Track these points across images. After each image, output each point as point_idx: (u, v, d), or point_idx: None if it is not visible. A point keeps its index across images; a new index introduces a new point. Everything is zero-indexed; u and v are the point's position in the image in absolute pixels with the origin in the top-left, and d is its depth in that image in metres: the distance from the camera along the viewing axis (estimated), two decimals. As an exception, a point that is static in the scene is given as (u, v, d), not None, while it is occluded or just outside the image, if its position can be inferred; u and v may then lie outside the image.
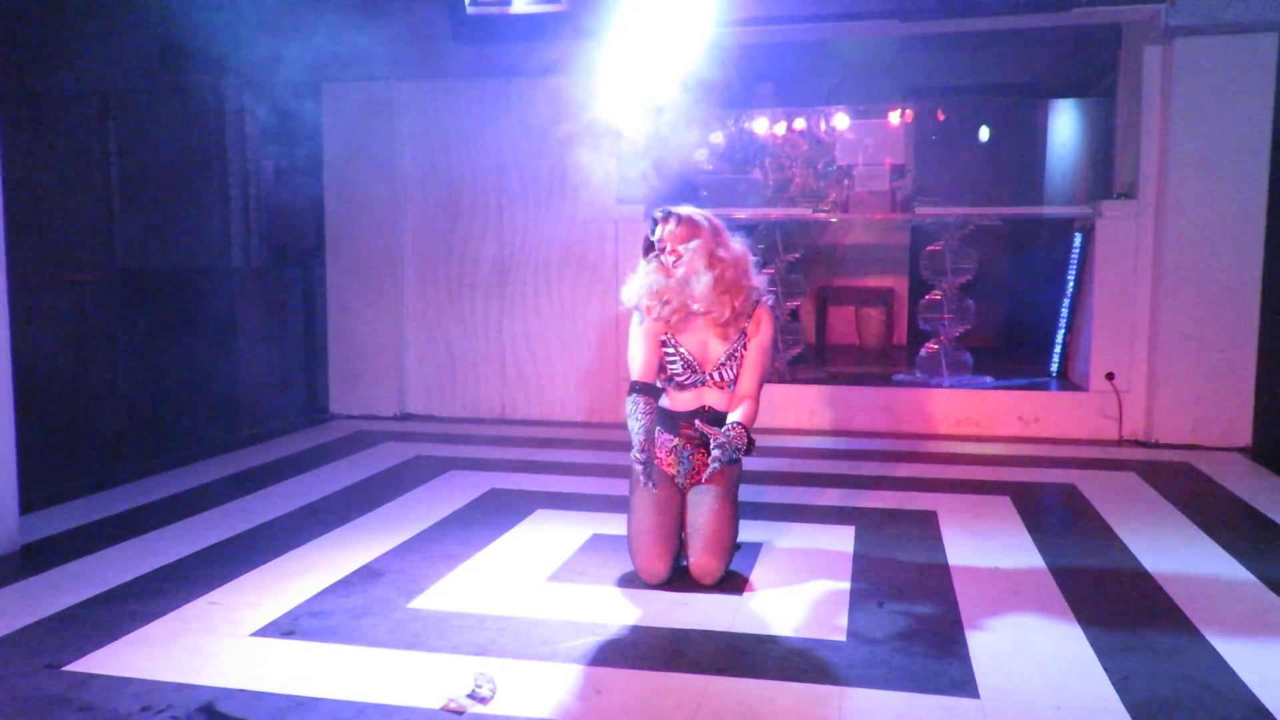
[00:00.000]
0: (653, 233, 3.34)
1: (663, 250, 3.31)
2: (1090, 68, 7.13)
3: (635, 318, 3.40)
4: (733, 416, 3.26)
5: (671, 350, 3.35)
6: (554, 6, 5.71)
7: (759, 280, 3.39)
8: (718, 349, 3.35)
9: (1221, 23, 5.17)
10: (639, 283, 3.36)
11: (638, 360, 3.36)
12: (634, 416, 3.24)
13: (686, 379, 3.36)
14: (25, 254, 6.73)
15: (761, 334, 3.36)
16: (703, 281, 3.25)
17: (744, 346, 3.35)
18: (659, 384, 3.39)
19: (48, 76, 6.69)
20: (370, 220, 6.43)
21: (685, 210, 3.36)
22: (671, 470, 3.40)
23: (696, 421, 3.30)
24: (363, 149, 6.39)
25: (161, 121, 6.88)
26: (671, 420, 3.41)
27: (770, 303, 3.45)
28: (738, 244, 3.39)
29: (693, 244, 3.27)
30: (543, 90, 6.14)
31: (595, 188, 6.12)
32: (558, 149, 6.17)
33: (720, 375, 3.35)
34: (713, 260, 3.26)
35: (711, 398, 3.37)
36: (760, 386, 3.37)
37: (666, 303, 3.29)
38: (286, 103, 6.84)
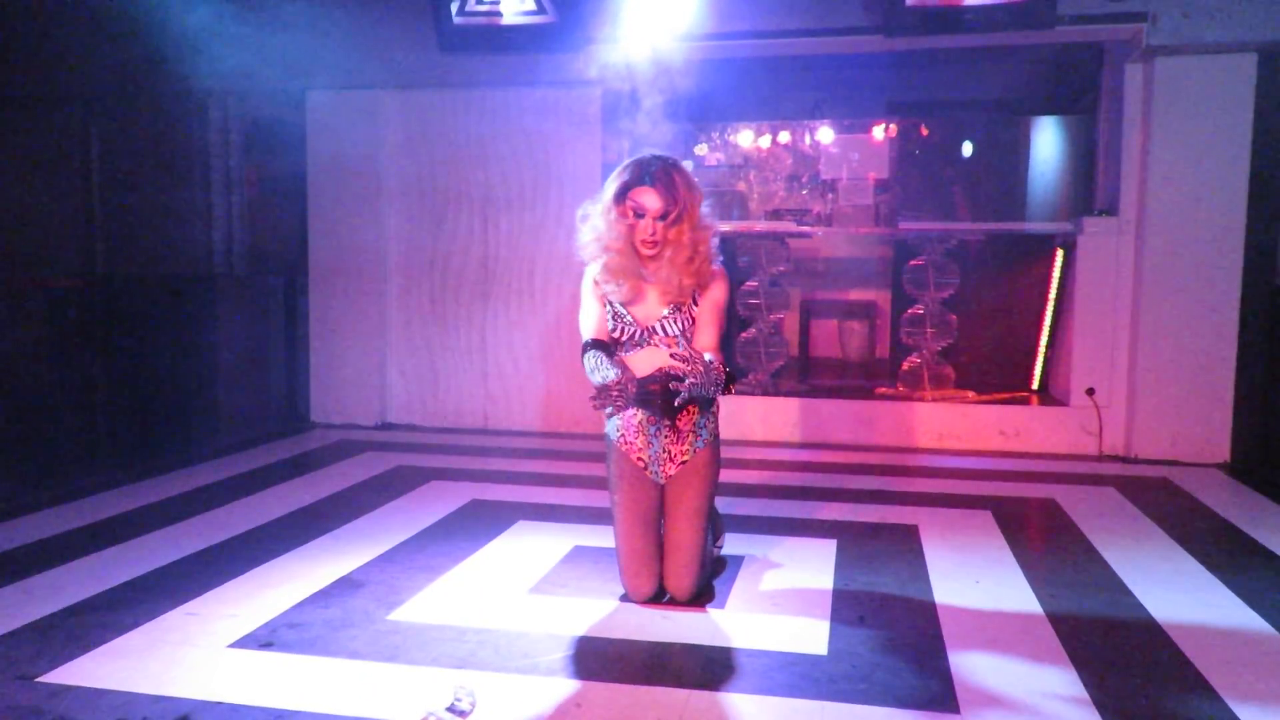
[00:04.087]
0: (632, 183, 3.05)
1: (640, 216, 3.04)
2: (1072, 85, 7.19)
3: (587, 278, 3.20)
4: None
5: (609, 308, 3.17)
6: (540, 18, 5.73)
7: (715, 248, 3.17)
8: (657, 309, 3.15)
9: (1202, 43, 5.23)
10: (597, 246, 3.12)
11: (590, 320, 3.16)
12: (597, 370, 2.99)
13: (622, 336, 3.15)
14: (4, 258, 6.71)
15: (714, 291, 3.14)
16: (667, 270, 3.07)
17: (694, 303, 3.15)
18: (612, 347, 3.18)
19: (30, 82, 6.65)
20: (353, 228, 6.41)
21: (679, 182, 3.04)
22: (642, 461, 3.19)
23: (661, 369, 3.10)
24: (347, 157, 6.37)
25: (144, 128, 6.85)
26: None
27: (721, 262, 3.22)
28: (705, 213, 3.14)
29: (671, 246, 3.04)
30: (528, 100, 6.16)
31: (580, 198, 6.10)
32: (542, 159, 6.19)
33: (664, 329, 3.13)
34: (691, 254, 3.06)
35: (666, 358, 3.08)
36: (719, 343, 3.11)
37: (621, 285, 3.10)
38: (270, 110, 6.83)
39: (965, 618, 3.10)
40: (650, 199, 3.03)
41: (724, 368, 2.95)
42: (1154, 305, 5.51)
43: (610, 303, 3.19)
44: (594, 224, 3.15)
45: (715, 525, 3.55)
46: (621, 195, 3.07)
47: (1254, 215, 5.36)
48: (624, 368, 3.03)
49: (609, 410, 2.79)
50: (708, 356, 2.93)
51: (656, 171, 3.05)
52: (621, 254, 3.08)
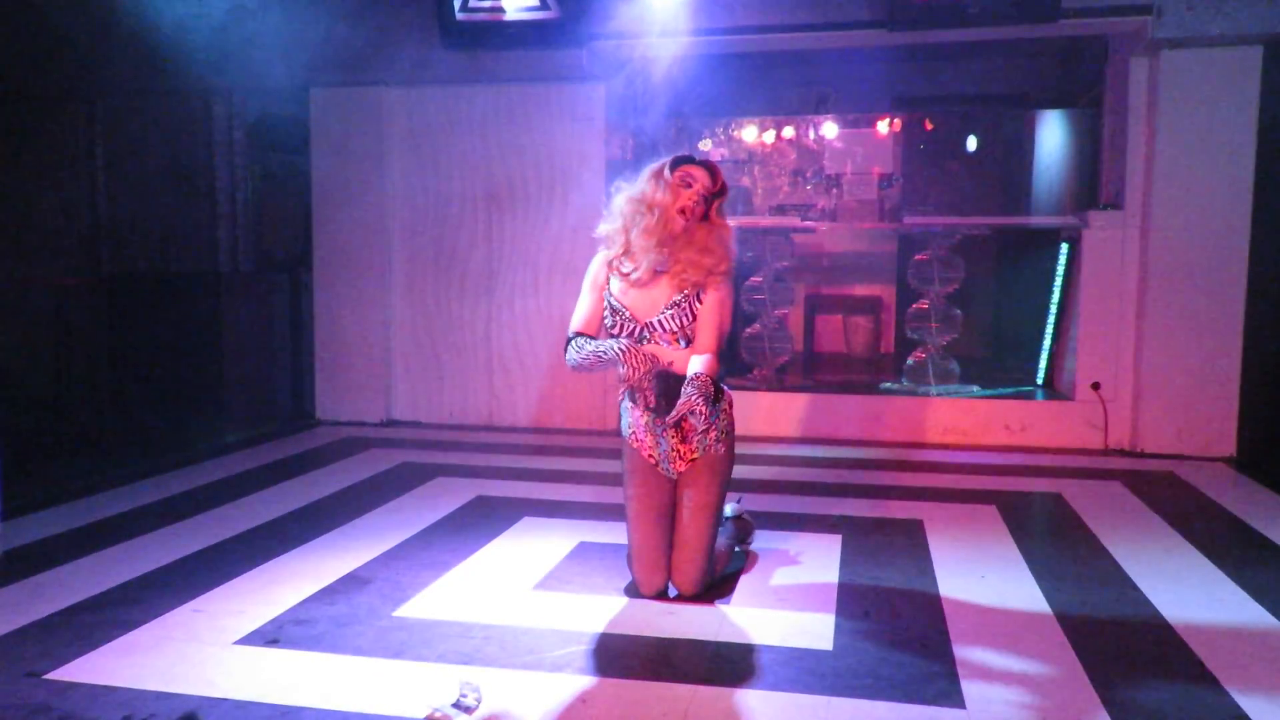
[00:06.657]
0: (683, 160, 3.18)
1: (686, 185, 3.11)
2: (1077, 79, 7.17)
3: (593, 267, 3.24)
4: (692, 368, 3.04)
5: (607, 303, 3.20)
6: (544, 14, 5.72)
7: (734, 251, 3.24)
8: (663, 299, 3.15)
9: (1207, 35, 5.21)
10: (633, 207, 3.15)
11: (581, 312, 3.20)
12: (580, 350, 3.08)
13: (614, 328, 3.18)
14: (10, 258, 6.73)
15: (720, 289, 3.15)
16: (689, 248, 3.12)
17: (697, 299, 3.14)
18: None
19: (35, 81, 6.66)
20: (358, 226, 6.41)
21: (720, 173, 3.21)
22: (653, 458, 3.24)
23: (656, 381, 3.16)
24: (351, 154, 6.37)
25: (149, 126, 6.86)
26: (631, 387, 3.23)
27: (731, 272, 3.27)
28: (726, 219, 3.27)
29: (701, 229, 3.12)
30: (532, 97, 6.15)
31: (584, 194, 6.12)
32: (546, 155, 6.18)
33: (663, 326, 3.14)
34: (712, 241, 3.13)
35: (668, 356, 3.11)
36: (719, 344, 3.14)
37: (645, 258, 3.12)
38: (274, 107, 6.83)
39: (970, 613, 3.10)
40: (700, 173, 3.16)
41: (712, 382, 3.03)
42: (1160, 299, 5.49)
43: (609, 297, 3.20)
44: (639, 188, 3.18)
45: (744, 525, 3.70)
46: (675, 164, 3.18)
47: (1260, 208, 5.33)
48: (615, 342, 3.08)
49: (631, 382, 3.05)
50: (697, 366, 3.03)
51: (701, 160, 3.24)
52: (660, 217, 3.10)
